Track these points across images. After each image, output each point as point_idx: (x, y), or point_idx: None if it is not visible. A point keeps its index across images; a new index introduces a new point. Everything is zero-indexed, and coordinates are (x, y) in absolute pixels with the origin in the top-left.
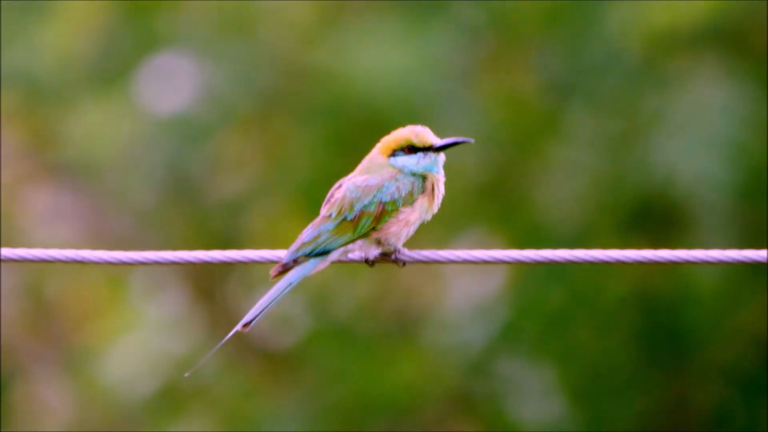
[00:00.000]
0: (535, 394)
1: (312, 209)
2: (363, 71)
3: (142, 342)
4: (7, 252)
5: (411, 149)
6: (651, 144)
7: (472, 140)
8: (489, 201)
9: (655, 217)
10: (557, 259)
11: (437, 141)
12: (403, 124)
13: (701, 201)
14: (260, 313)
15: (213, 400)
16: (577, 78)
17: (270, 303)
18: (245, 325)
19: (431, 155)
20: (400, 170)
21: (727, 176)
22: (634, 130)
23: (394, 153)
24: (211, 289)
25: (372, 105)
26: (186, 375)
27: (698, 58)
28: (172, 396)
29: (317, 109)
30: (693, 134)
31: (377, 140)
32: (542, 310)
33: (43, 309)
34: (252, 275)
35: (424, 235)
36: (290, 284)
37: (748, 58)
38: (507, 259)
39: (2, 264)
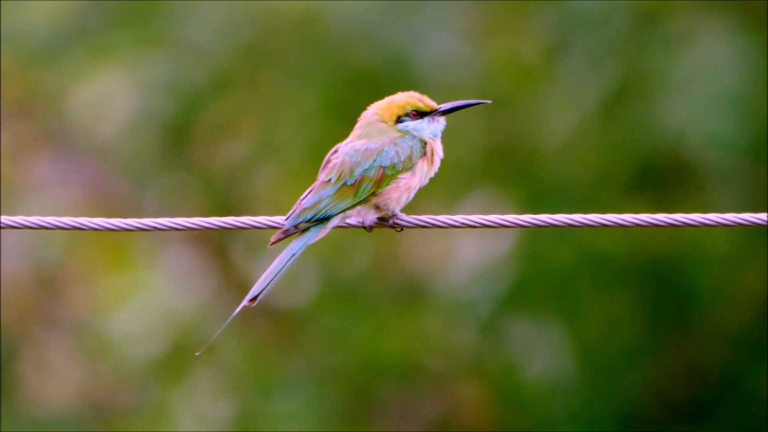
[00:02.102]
0: (542, 355)
1: (310, 171)
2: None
3: (148, 303)
4: (6, 219)
5: (418, 114)
6: (656, 102)
7: (488, 101)
8: (496, 161)
9: (661, 178)
10: (555, 223)
11: (442, 105)
12: (395, 84)
13: (709, 159)
14: (266, 286)
15: (221, 360)
16: (574, 35)
17: (275, 275)
18: (252, 300)
19: (438, 119)
20: (404, 134)
21: (734, 133)
22: (637, 88)
23: (399, 118)
24: (216, 249)
25: (356, 54)
26: (197, 354)
27: (702, 15)
28: (180, 356)
29: (307, 66)
30: (699, 92)
31: (370, 100)
32: (549, 271)
33: (47, 273)
34: (256, 235)
35: (429, 197)
36: (293, 255)
37: (753, 14)
38: (505, 223)
39: (3, 230)
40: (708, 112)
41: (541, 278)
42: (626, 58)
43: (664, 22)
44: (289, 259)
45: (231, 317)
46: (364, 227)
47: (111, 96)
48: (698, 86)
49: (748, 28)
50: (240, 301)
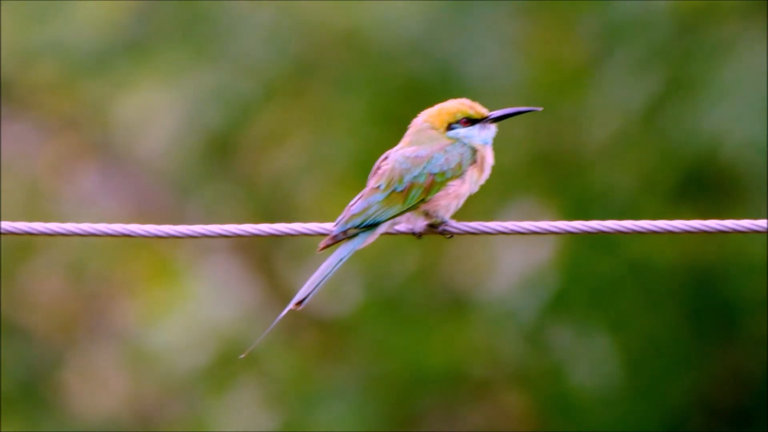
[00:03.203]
0: (587, 362)
1: (356, 181)
2: (383, 23)
3: (193, 313)
4: (55, 227)
5: (468, 121)
6: (699, 109)
7: (540, 108)
8: (539, 170)
9: (703, 185)
10: (605, 229)
11: (493, 112)
12: (443, 92)
13: (752, 167)
14: (313, 289)
15: (265, 370)
16: (618, 41)
17: (322, 279)
18: (298, 303)
19: (489, 126)
20: (454, 141)
21: None
22: (680, 95)
23: (450, 126)
24: (260, 259)
25: (403, 63)
26: (241, 357)
27: (746, 22)
28: (225, 367)
29: (354, 76)
30: (742, 99)
31: (417, 108)
32: (592, 279)
33: (92, 283)
34: (301, 244)
35: (472, 206)
36: (341, 260)
37: None
38: (555, 230)
39: (51, 239)
40: (750, 119)
41: (585, 286)
42: (669, 65)
43: (708, 29)
44: (336, 264)
45: (277, 320)
46: (414, 234)
47: (157, 107)
48: (741, 93)
49: None
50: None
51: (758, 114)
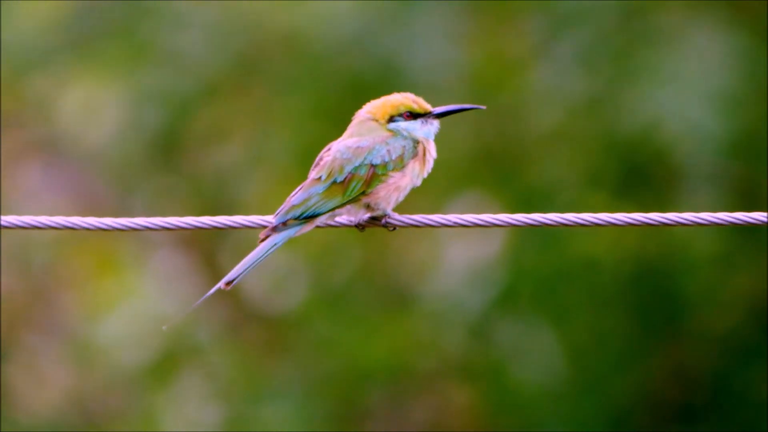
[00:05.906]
0: (532, 357)
1: (299, 176)
2: (323, 20)
3: (138, 308)
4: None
5: (411, 115)
6: (643, 98)
7: (483, 107)
8: (483, 165)
9: (647, 176)
10: (548, 222)
11: (436, 108)
12: (384, 87)
13: (689, 151)
14: (243, 271)
15: (208, 366)
16: (562, 31)
17: (253, 263)
18: (228, 284)
19: (432, 121)
20: (396, 134)
21: (717, 128)
22: (624, 84)
23: (392, 118)
24: (204, 254)
25: (345, 60)
26: (164, 328)
27: (692, 12)
28: (169, 362)
29: (296, 73)
30: (684, 85)
31: (359, 104)
32: (537, 274)
33: (36, 279)
34: (245, 239)
35: (417, 200)
36: (275, 245)
37: (745, 12)
38: (498, 222)
39: None
40: (691, 104)
41: (530, 281)
42: (614, 54)
43: (653, 18)
44: (270, 249)
45: (203, 297)
46: (356, 226)
47: (101, 103)
48: (684, 80)
49: (739, 26)
50: (228, 307)
51: (701, 101)
